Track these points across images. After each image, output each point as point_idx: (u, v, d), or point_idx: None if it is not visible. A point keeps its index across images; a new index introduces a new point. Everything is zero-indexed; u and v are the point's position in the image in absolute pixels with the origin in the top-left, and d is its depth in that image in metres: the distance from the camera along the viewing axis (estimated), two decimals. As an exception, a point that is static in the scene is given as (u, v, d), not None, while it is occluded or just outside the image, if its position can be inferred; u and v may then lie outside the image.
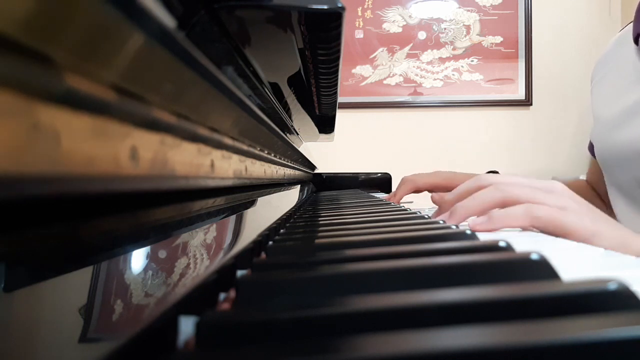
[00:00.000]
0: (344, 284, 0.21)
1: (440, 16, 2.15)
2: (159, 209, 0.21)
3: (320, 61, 0.39)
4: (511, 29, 2.14)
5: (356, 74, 2.14)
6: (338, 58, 0.39)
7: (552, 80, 2.18)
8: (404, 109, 2.17)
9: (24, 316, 0.11)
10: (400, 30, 2.15)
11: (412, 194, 0.92)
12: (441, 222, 0.43)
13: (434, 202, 0.65)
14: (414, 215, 0.50)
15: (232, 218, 0.33)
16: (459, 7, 2.15)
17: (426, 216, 0.48)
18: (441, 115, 2.17)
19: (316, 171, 1.40)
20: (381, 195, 1.06)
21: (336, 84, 0.50)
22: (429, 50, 2.15)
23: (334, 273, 0.22)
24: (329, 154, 2.02)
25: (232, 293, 0.23)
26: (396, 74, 2.15)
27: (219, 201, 0.31)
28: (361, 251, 0.28)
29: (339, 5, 0.29)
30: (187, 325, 0.17)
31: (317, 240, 0.37)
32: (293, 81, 0.47)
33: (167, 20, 0.16)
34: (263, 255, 0.32)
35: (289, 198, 0.67)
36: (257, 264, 0.26)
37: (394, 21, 2.15)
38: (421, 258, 0.24)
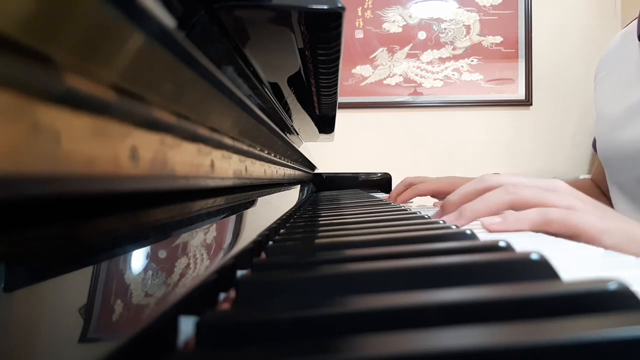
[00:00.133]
0: (344, 284, 0.21)
1: (440, 16, 2.15)
2: (159, 209, 0.21)
3: (320, 61, 0.39)
4: (511, 29, 2.14)
5: (356, 74, 2.14)
6: (338, 58, 0.39)
7: (552, 80, 2.18)
8: (404, 109, 2.17)
9: (24, 316, 0.11)
10: (400, 30, 2.15)
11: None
12: (441, 222, 0.43)
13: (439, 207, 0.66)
14: (414, 215, 0.50)
15: (232, 218, 0.33)
16: (459, 7, 2.15)
17: (426, 216, 0.48)
18: (441, 115, 2.17)
19: (316, 171, 1.40)
20: (381, 195, 1.06)
21: (336, 84, 0.50)
22: (429, 50, 2.15)
23: (334, 273, 0.22)
24: (329, 154, 2.02)
25: (232, 293, 0.23)
26: (396, 74, 2.15)
27: (219, 201, 0.31)
28: (361, 251, 0.28)
29: (339, 5, 0.29)
30: (187, 325, 0.17)
31: (317, 240, 0.37)
32: (293, 81, 0.47)
33: (167, 20, 0.16)
34: (263, 255, 0.32)
35: (289, 198, 0.67)
36: (257, 264, 0.26)
37: (394, 21, 2.15)
38: (421, 258, 0.24)
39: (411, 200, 0.92)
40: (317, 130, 0.89)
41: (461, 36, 2.15)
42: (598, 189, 0.97)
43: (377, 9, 2.14)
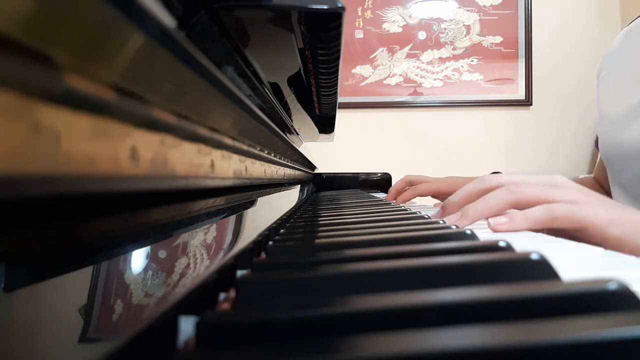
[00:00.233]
0: (344, 284, 0.21)
1: (440, 16, 2.15)
2: (159, 209, 0.21)
3: (320, 61, 0.39)
4: (511, 29, 2.14)
5: (356, 74, 2.14)
6: (338, 58, 0.39)
7: (552, 80, 2.18)
8: (404, 109, 2.17)
9: (24, 316, 0.11)
10: (400, 30, 2.15)
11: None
12: (441, 222, 0.43)
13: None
14: (414, 215, 0.50)
15: (232, 218, 0.33)
16: (459, 7, 2.15)
17: (426, 216, 0.48)
18: (441, 115, 2.17)
19: (316, 171, 1.40)
20: (381, 195, 1.06)
21: (336, 84, 0.50)
22: (429, 50, 2.15)
23: (334, 273, 0.22)
24: (329, 154, 2.02)
25: (232, 293, 0.23)
26: (396, 74, 2.15)
27: (219, 201, 0.31)
28: (361, 251, 0.28)
29: (339, 5, 0.29)
30: (187, 325, 0.17)
31: (317, 240, 0.37)
32: (293, 81, 0.47)
33: (167, 20, 0.16)
34: (263, 255, 0.32)
35: (289, 198, 0.67)
36: (257, 264, 0.26)
37: (394, 21, 2.15)
38: (421, 258, 0.24)
39: (412, 201, 0.92)
40: (317, 130, 0.89)
41: (461, 36, 2.15)
42: (601, 188, 0.97)
43: (377, 9, 2.14)
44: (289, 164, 0.73)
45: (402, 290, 0.19)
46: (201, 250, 0.24)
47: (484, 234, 0.42)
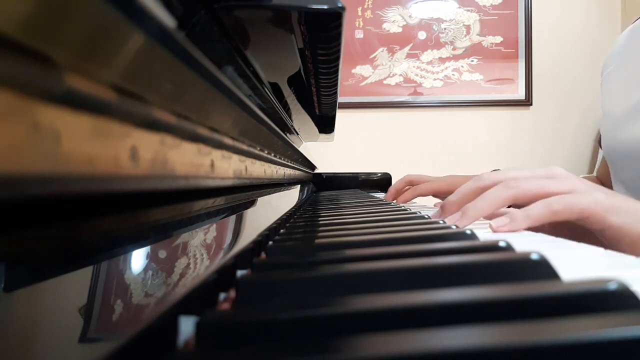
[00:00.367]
0: (344, 284, 0.21)
1: (440, 16, 2.15)
2: (159, 209, 0.21)
3: (320, 61, 0.39)
4: (511, 29, 2.14)
5: (356, 74, 2.14)
6: (338, 58, 0.39)
7: (552, 80, 2.18)
8: (404, 109, 2.17)
9: (24, 316, 0.11)
10: (400, 30, 2.15)
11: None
12: (441, 222, 0.43)
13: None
14: (414, 215, 0.50)
15: (232, 218, 0.33)
16: (459, 7, 2.15)
17: (426, 216, 0.48)
18: (441, 115, 2.17)
19: (316, 171, 1.40)
20: (381, 195, 1.06)
21: (336, 84, 0.50)
22: (429, 50, 2.15)
23: (334, 273, 0.22)
24: (329, 154, 2.02)
25: (232, 293, 0.23)
26: (396, 74, 2.15)
27: (219, 201, 0.31)
28: (361, 251, 0.28)
29: (339, 5, 0.29)
30: (187, 325, 0.17)
31: (317, 240, 0.37)
32: (293, 81, 0.47)
33: (167, 20, 0.16)
34: (263, 255, 0.32)
35: (289, 198, 0.67)
36: (257, 264, 0.26)
37: (394, 21, 2.15)
38: (421, 258, 0.24)
39: (413, 201, 0.92)
40: (317, 130, 0.89)
41: (461, 36, 2.15)
42: (603, 186, 0.97)
43: (377, 9, 2.14)
44: (289, 163, 0.73)
45: (402, 291, 0.19)
46: (201, 250, 0.24)
47: (485, 234, 0.42)
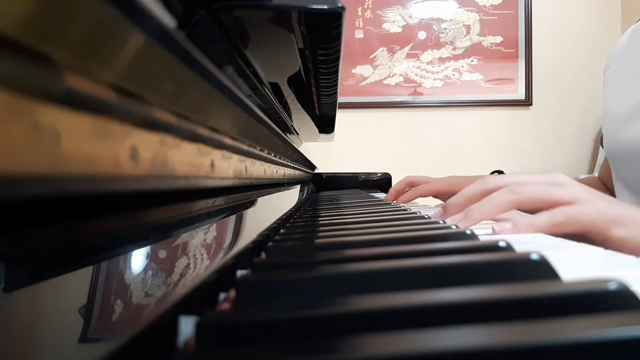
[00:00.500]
0: (344, 284, 0.21)
1: (440, 16, 2.15)
2: (159, 209, 0.21)
3: (320, 61, 0.39)
4: (511, 29, 2.14)
5: (356, 74, 2.14)
6: (338, 58, 0.39)
7: (552, 80, 2.18)
8: (404, 109, 2.17)
9: (24, 316, 0.11)
10: (400, 30, 2.15)
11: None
12: (441, 222, 0.43)
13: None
14: (414, 215, 0.50)
15: (232, 218, 0.33)
16: (459, 7, 2.15)
17: (426, 216, 0.48)
18: (441, 115, 2.17)
19: (316, 171, 1.40)
20: (381, 195, 1.06)
21: (336, 84, 0.50)
22: (429, 50, 2.15)
23: (334, 273, 0.22)
24: (329, 154, 2.02)
25: (232, 293, 0.23)
26: (396, 74, 2.15)
27: (219, 201, 0.31)
28: (361, 251, 0.28)
29: (339, 5, 0.29)
30: (187, 325, 0.17)
31: (317, 240, 0.37)
32: (293, 81, 0.47)
33: (167, 20, 0.16)
34: (263, 255, 0.32)
35: (289, 198, 0.67)
36: (257, 264, 0.26)
37: (394, 21, 2.15)
38: (421, 258, 0.24)
39: (414, 201, 0.92)
40: (317, 130, 0.89)
41: (461, 36, 2.15)
42: (604, 187, 0.97)
43: (377, 9, 2.14)
44: (289, 163, 0.73)
45: (402, 290, 0.19)
46: (201, 250, 0.24)
47: (484, 235, 0.42)
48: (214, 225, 0.28)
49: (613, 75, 0.85)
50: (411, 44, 2.15)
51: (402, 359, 0.12)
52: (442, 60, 2.15)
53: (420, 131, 2.18)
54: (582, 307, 0.16)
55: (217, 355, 0.14)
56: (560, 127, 2.19)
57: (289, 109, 0.62)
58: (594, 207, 0.42)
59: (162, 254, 0.20)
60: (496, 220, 0.51)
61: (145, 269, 0.18)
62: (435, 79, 2.15)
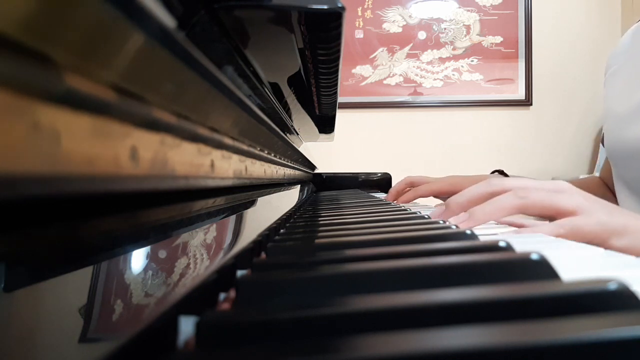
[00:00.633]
0: (344, 284, 0.21)
1: (440, 16, 2.15)
2: (159, 209, 0.21)
3: (320, 61, 0.39)
4: (511, 29, 2.14)
5: (356, 74, 2.14)
6: (338, 58, 0.39)
7: (552, 80, 2.18)
8: (404, 109, 2.17)
9: (24, 316, 0.11)
10: (400, 30, 2.15)
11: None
12: (441, 222, 0.43)
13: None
14: (414, 215, 0.50)
15: (232, 218, 0.33)
16: (459, 7, 2.15)
17: (426, 216, 0.48)
18: (441, 115, 2.17)
19: (316, 171, 1.40)
20: (381, 195, 1.06)
21: (336, 84, 0.50)
22: (429, 50, 2.15)
23: (334, 273, 0.22)
24: (329, 154, 2.02)
25: (232, 293, 0.23)
26: (396, 74, 2.15)
27: (219, 201, 0.31)
28: (361, 251, 0.28)
29: (339, 5, 0.29)
30: (187, 325, 0.17)
31: (317, 240, 0.37)
32: (293, 81, 0.47)
33: (167, 20, 0.16)
34: (263, 255, 0.32)
35: (289, 198, 0.67)
36: (257, 264, 0.26)
37: (394, 21, 2.15)
38: (421, 258, 0.24)
39: (415, 201, 0.92)
40: (317, 130, 0.89)
41: (461, 36, 2.15)
42: (605, 186, 0.96)
43: (377, 9, 2.14)
44: (289, 164, 0.73)
45: (402, 291, 0.19)
46: (201, 250, 0.24)
47: (485, 235, 0.42)
48: (214, 225, 0.28)
49: (614, 75, 0.85)
50: (411, 44, 2.15)
51: (402, 359, 0.12)
52: (442, 60, 2.15)
53: (420, 131, 2.18)
54: (582, 307, 0.16)
55: (217, 355, 0.14)
56: (560, 127, 2.19)
57: (289, 109, 0.62)
58: (595, 218, 0.43)
59: (162, 254, 0.20)
60: (499, 223, 0.51)
61: (145, 269, 0.18)
62: (435, 79, 2.15)
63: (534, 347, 0.12)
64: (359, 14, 2.14)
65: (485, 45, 2.14)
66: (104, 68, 0.13)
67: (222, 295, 0.23)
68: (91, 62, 0.13)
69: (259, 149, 0.43)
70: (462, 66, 2.15)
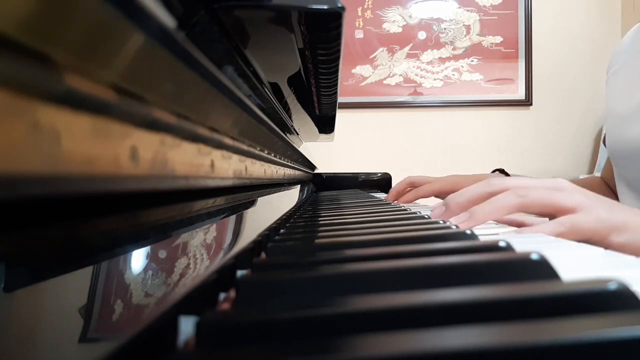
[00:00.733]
0: (344, 284, 0.21)
1: (440, 16, 2.15)
2: (159, 209, 0.21)
3: (320, 61, 0.39)
4: (511, 29, 2.14)
5: (356, 74, 2.14)
6: (338, 58, 0.39)
7: (552, 80, 2.18)
8: (404, 109, 2.17)
9: (24, 316, 0.11)
10: (400, 30, 2.15)
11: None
12: (441, 222, 0.43)
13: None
14: (414, 215, 0.50)
15: (232, 218, 0.33)
16: (459, 7, 2.15)
17: (426, 216, 0.48)
18: (441, 115, 2.17)
19: (316, 171, 1.40)
20: (381, 195, 1.06)
21: (336, 84, 0.50)
22: (429, 50, 2.15)
23: (334, 273, 0.22)
24: (329, 154, 2.02)
25: (232, 293, 0.23)
26: (396, 74, 2.15)
27: (219, 201, 0.31)
28: (361, 251, 0.28)
29: (339, 5, 0.29)
30: (187, 325, 0.17)
31: (317, 240, 0.37)
32: (293, 81, 0.47)
33: (167, 20, 0.16)
34: (263, 255, 0.32)
35: (289, 198, 0.67)
36: (257, 264, 0.26)
37: (394, 21, 2.15)
38: (421, 258, 0.24)
39: (415, 202, 0.92)
40: (317, 130, 0.89)
41: (461, 36, 2.15)
42: (606, 186, 0.96)
43: (377, 9, 2.14)
44: (289, 164, 0.73)
45: (402, 291, 0.19)
46: (201, 250, 0.24)
47: (485, 235, 0.42)
48: (214, 225, 0.28)
49: (616, 74, 0.85)
50: (411, 44, 2.15)
51: (402, 359, 0.12)
52: (442, 60, 2.15)
53: (420, 131, 2.18)
54: (582, 307, 0.16)
55: (217, 355, 0.14)
56: (560, 127, 2.19)
57: (289, 109, 0.62)
58: (595, 215, 0.43)
59: (162, 254, 0.20)
60: (500, 223, 0.51)
61: (145, 269, 0.18)
62: (435, 79, 2.15)
63: (534, 347, 0.12)
64: (359, 14, 2.14)
65: (485, 45, 2.14)
66: (104, 68, 0.13)
67: (222, 295, 0.23)
68: (91, 62, 0.13)
69: (259, 149, 0.43)
70: (462, 66, 2.15)
